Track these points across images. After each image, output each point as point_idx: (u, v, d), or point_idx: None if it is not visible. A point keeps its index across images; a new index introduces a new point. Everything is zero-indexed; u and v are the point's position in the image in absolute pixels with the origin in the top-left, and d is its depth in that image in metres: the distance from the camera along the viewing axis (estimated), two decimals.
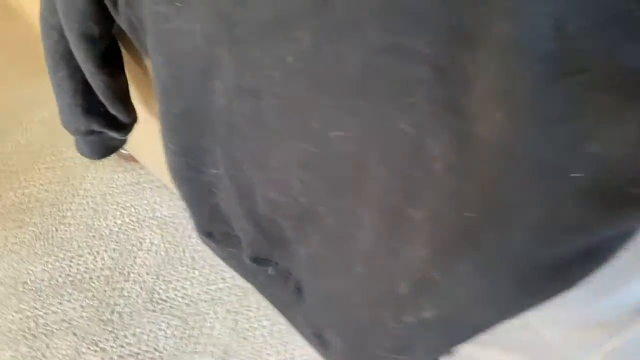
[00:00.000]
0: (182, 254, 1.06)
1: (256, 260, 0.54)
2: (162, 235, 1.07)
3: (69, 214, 1.12)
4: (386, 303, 0.36)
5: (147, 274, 1.03)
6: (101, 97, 0.59)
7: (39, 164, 1.19)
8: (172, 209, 1.11)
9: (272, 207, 0.44)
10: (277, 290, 0.55)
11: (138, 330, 0.97)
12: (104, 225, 1.10)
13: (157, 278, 1.03)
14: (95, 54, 0.51)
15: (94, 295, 1.01)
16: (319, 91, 0.33)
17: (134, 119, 0.63)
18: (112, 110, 0.59)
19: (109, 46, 0.53)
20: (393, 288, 0.34)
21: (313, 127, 0.34)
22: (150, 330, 0.97)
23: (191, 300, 1.00)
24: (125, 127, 0.64)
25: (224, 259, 0.63)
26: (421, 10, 0.31)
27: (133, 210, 1.11)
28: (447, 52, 0.30)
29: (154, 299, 1.00)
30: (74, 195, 1.14)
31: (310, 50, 0.33)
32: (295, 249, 0.46)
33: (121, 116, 0.60)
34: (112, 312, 0.99)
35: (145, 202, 1.12)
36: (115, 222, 1.09)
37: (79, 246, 1.07)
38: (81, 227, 1.10)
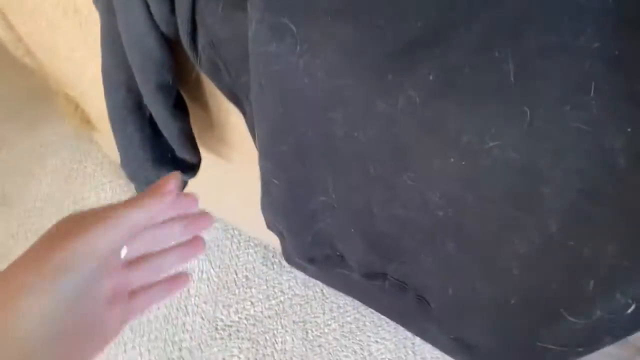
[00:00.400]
0: (234, 275, 1.04)
1: (368, 275, 0.53)
2: (210, 261, 1.05)
3: None
4: (565, 301, 0.35)
5: (205, 303, 1.01)
6: (174, 144, 0.57)
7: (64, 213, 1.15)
8: (212, 233, 1.09)
9: (398, 224, 0.43)
10: (393, 302, 0.54)
11: None
12: None
13: (216, 305, 1.01)
14: (170, 103, 0.49)
15: (157, 337, 0.99)
16: (470, 104, 0.32)
17: (199, 159, 0.61)
18: (182, 154, 0.57)
19: (177, 93, 0.51)
20: (574, 285, 0.34)
21: (463, 140, 0.33)
22: (223, 359, 0.96)
23: (256, 320, 0.99)
24: (193, 169, 0.62)
25: (325, 280, 0.62)
26: (582, 5, 0.30)
27: None
28: (616, 43, 0.29)
29: (218, 327, 0.99)
30: None
31: (457, 64, 0.32)
32: (420, 260, 0.46)
33: (190, 158, 0.58)
34: (180, 349, 0.97)
35: None
36: None
37: None
38: None
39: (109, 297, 0.29)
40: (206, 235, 1.06)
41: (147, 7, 0.43)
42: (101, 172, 1.18)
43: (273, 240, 0.90)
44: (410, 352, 0.98)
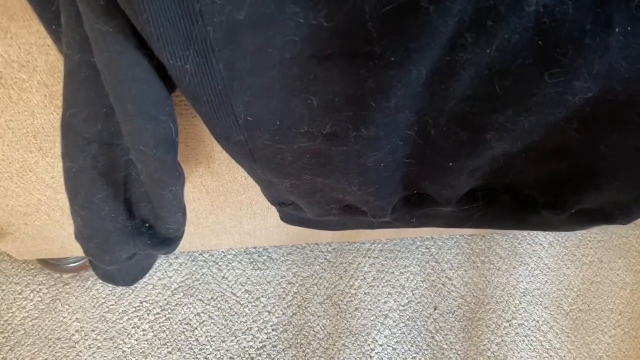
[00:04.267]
0: (234, 297, 0.92)
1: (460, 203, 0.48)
2: (201, 301, 0.91)
3: None
4: None
5: (224, 342, 0.89)
6: (163, 210, 0.44)
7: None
8: (185, 273, 0.93)
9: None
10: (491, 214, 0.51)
11: None
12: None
13: (235, 336, 0.89)
14: (170, 159, 0.36)
15: None
16: None
17: (184, 230, 0.48)
18: (167, 224, 0.45)
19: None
20: None
21: None
22: None
23: (284, 325, 0.90)
24: (175, 242, 0.49)
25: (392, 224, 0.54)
26: None
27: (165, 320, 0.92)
28: None
29: (253, 356, 0.88)
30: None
31: None
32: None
33: (175, 230, 0.46)
34: None
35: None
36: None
37: None
38: None
39: None
40: (180, 278, 0.92)
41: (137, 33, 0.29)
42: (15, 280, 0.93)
43: (246, 240, 0.80)
44: (433, 263, 0.97)
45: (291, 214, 0.56)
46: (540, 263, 1.00)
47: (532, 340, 0.93)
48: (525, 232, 1.03)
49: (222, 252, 0.95)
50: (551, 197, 0.46)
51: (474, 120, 0.38)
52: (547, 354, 0.92)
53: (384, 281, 0.95)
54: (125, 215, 0.45)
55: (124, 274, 0.56)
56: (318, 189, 0.46)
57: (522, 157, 0.42)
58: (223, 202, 0.64)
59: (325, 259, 0.96)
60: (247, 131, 0.38)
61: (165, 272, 0.93)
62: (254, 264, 0.95)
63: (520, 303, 0.96)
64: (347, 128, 0.38)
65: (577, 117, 0.37)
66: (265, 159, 0.42)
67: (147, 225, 0.48)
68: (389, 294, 0.94)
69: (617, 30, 0.30)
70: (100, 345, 0.87)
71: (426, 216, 0.52)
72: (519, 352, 0.92)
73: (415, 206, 0.50)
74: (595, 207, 0.46)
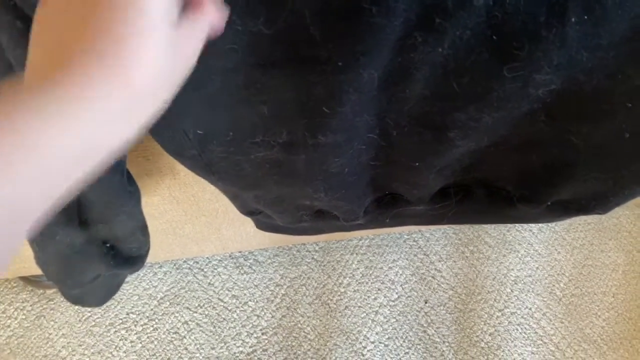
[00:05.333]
0: (222, 303, 0.90)
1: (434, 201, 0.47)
2: (188, 308, 0.90)
3: None
4: None
5: (213, 348, 0.87)
6: (119, 230, 0.43)
7: None
8: (169, 282, 0.92)
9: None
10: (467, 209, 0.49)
11: None
12: None
13: (224, 342, 0.88)
14: (117, 180, 0.35)
15: None
16: None
17: (149, 247, 0.47)
18: (127, 243, 0.43)
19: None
20: None
21: None
22: None
23: (273, 328, 0.89)
24: (140, 259, 0.48)
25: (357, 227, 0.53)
26: None
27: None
28: None
29: None
30: None
31: None
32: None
33: (138, 246, 0.44)
34: None
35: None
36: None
37: None
38: None
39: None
40: (165, 287, 0.90)
41: None
42: None
43: (229, 245, 0.78)
44: (421, 256, 0.96)
45: (264, 222, 0.54)
46: (530, 249, 0.99)
47: (525, 328, 0.92)
48: None
49: (207, 258, 0.94)
50: (525, 190, 0.45)
51: (436, 120, 0.36)
52: (541, 340, 0.91)
53: (373, 277, 0.93)
54: (82, 238, 0.43)
55: (90, 295, 0.54)
56: (284, 197, 0.44)
57: (492, 152, 0.40)
58: (196, 210, 0.62)
59: (313, 258, 0.95)
60: (199, 145, 0.37)
61: (150, 281, 0.91)
62: (240, 268, 0.93)
63: (511, 291, 0.95)
64: (304, 135, 0.36)
65: (544, 110, 0.35)
66: (223, 171, 0.40)
67: (108, 245, 0.46)
68: (378, 289, 0.92)
69: (572, 19, 0.28)
70: (88, 359, 0.85)
71: (400, 216, 0.50)
72: (512, 341, 0.91)
73: (387, 207, 0.48)
74: (571, 199, 0.45)
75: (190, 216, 0.64)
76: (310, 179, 0.40)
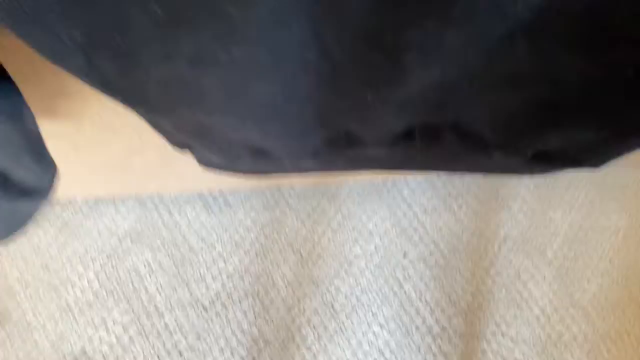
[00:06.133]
0: (186, 244, 0.85)
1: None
2: (150, 248, 0.85)
3: None
4: None
5: (174, 291, 0.83)
6: (15, 156, 0.35)
7: None
8: (132, 218, 0.86)
9: None
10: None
11: None
12: None
13: (188, 285, 0.83)
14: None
15: (151, 353, 0.80)
16: None
17: (54, 171, 0.39)
18: (16, 171, 0.35)
19: None
20: None
21: None
22: (232, 331, 0.81)
23: (241, 273, 0.84)
24: (39, 192, 0.40)
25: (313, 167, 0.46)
26: None
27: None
28: None
29: (205, 306, 0.82)
30: None
31: None
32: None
33: (33, 177, 0.37)
34: (180, 353, 0.80)
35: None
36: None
37: None
38: None
39: None
40: (127, 224, 0.85)
41: None
42: None
43: (199, 185, 0.72)
44: (404, 207, 0.89)
45: (204, 157, 0.47)
46: (524, 206, 0.91)
47: (509, 290, 0.86)
48: None
49: (174, 196, 0.87)
50: (503, 138, 0.36)
51: (387, 38, 0.27)
52: (526, 303, 0.86)
53: (350, 227, 0.87)
54: None
55: None
56: (207, 128, 0.36)
57: (463, 89, 0.32)
58: (139, 144, 0.55)
59: (287, 203, 0.88)
60: (82, 53, 0.29)
61: (112, 217, 0.85)
62: (209, 208, 0.87)
63: (499, 250, 0.88)
64: (214, 49, 0.28)
65: (524, 35, 0.26)
66: (125, 92, 0.32)
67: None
68: (355, 240, 0.86)
69: None
70: (42, 295, 0.81)
71: (357, 159, 0.43)
72: (494, 303, 0.85)
73: (341, 148, 0.41)
74: (557, 149, 0.37)
75: (134, 148, 0.57)
76: (232, 107, 0.32)
